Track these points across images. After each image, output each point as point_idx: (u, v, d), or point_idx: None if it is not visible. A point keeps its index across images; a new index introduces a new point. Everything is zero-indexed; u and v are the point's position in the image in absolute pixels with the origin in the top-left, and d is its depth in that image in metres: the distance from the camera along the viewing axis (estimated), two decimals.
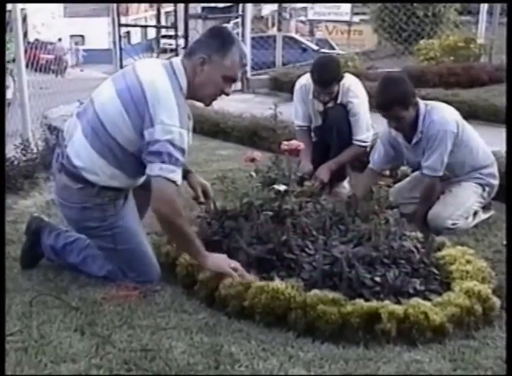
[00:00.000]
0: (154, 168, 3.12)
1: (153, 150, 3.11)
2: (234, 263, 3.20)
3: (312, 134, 5.25)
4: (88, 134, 3.27)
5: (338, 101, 4.94)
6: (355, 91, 4.96)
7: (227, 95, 3.39)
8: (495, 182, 4.51)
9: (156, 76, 3.22)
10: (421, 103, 4.32)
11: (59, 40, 23.16)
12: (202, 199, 3.74)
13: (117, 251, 3.38)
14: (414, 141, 4.36)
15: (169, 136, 3.08)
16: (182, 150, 3.14)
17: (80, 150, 3.29)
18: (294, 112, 5.20)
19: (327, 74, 4.82)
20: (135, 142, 3.20)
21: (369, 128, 4.96)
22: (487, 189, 4.48)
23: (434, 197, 4.39)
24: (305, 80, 5.08)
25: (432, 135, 4.23)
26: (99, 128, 3.24)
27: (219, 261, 3.22)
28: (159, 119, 3.09)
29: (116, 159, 3.26)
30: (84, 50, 33.67)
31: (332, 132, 4.97)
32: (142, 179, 3.45)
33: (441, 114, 4.30)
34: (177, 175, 3.14)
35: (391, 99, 4.21)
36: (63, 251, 3.55)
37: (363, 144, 4.95)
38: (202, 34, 3.39)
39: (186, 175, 3.65)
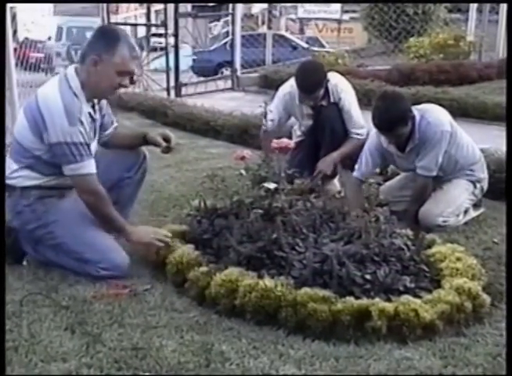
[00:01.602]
0: (66, 170, 3.42)
1: (56, 153, 3.37)
2: (156, 233, 3.55)
3: (302, 134, 5.24)
4: (12, 151, 3.57)
5: (331, 100, 4.94)
6: (343, 87, 4.99)
7: (126, 87, 3.59)
8: (485, 175, 4.53)
9: (48, 85, 3.46)
10: (415, 111, 4.29)
11: (49, 38, 23.11)
12: (164, 144, 3.81)
13: (63, 244, 3.49)
14: (408, 148, 4.35)
15: (63, 138, 3.32)
16: (80, 144, 3.35)
17: (6, 164, 3.58)
18: (268, 114, 4.99)
19: (311, 80, 4.82)
20: (36, 144, 3.41)
21: (362, 121, 4.97)
22: (478, 185, 4.49)
23: (426, 197, 4.39)
24: (289, 87, 5.07)
25: (429, 136, 4.23)
26: (15, 143, 3.52)
27: (141, 233, 3.55)
28: (50, 123, 3.31)
29: (23, 162, 3.48)
30: None
31: (324, 130, 4.96)
32: (65, 177, 3.51)
33: (435, 116, 4.29)
34: (86, 168, 3.40)
35: (394, 121, 4.17)
36: (42, 247, 3.59)
37: (361, 137, 4.95)
38: (91, 36, 3.51)
39: (144, 137, 3.84)
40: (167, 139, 3.83)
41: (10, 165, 3.52)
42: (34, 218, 3.50)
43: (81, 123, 3.35)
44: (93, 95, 3.50)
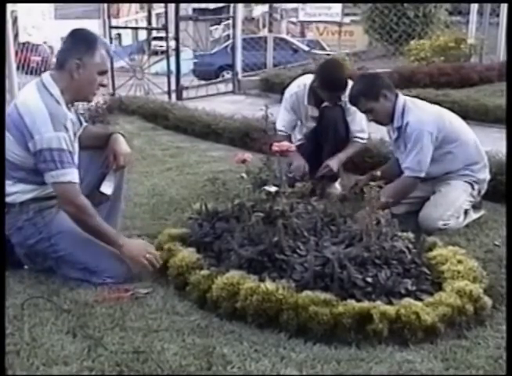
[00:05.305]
0: (47, 178, 3.36)
1: (40, 160, 3.32)
2: (148, 251, 3.45)
3: (302, 137, 5.24)
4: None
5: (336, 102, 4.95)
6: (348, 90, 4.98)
7: (104, 86, 3.66)
8: (485, 176, 4.52)
9: (27, 94, 3.43)
10: (401, 99, 4.38)
11: (45, 42, 23.15)
12: (114, 166, 3.73)
13: (67, 256, 3.46)
14: (395, 136, 4.47)
15: (46, 144, 3.28)
16: (62, 151, 3.32)
17: None
18: (279, 119, 5.12)
19: (341, 77, 4.84)
20: (25, 157, 3.37)
21: (365, 126, 4.98)
22: (476, 187, 4.48)
23: (405, 197, 4.38)
24: (296, 87, 5.07)
25: (408, 135, 4.29)
26: None
27: (133, 249, 3.44)
28: (35, 131, 3.28)
29: (15, 176, 3.43)
30: None
31: (328, 132, 4.96)
32: None
33: (417, 114, 4.30)
34: (68, 176, 3.35)
35: (356, 92, 4.38)
36: (42, 260, 3.56)
37: (362, 141, 4.98)
38: (66, 42, 3.51)
39: (110, 136, 3.80)
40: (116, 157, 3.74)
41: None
42: (35, 232, 3.46)
43: (66, 129, 3.35)
44: (75, 99, 3.54)
